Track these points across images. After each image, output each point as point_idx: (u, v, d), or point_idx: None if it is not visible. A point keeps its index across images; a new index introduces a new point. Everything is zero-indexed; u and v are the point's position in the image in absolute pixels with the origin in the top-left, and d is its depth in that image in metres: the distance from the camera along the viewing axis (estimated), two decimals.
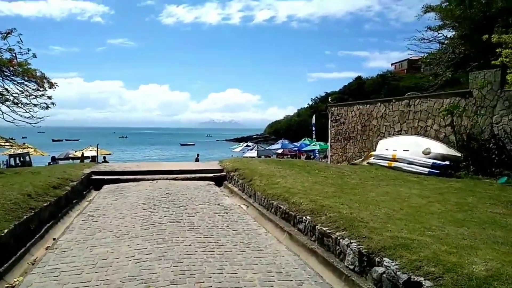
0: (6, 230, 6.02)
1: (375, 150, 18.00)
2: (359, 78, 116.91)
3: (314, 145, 29.76)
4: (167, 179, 14.19)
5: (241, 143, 34.15)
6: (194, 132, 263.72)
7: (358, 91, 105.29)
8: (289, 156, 29.87)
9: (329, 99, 24.02)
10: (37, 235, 7.18)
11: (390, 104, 18.67)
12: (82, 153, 24.09)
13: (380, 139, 18.18)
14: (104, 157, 27.02)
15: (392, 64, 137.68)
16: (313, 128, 40.47)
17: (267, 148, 26.42)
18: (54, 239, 7.48)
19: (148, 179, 14.03)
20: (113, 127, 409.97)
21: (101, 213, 9.23)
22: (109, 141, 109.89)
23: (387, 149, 16.37)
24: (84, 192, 12.11)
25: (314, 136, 39.62)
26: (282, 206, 8.24)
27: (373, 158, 16.94)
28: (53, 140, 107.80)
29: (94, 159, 24.47)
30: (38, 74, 15.60)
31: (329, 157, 23.98)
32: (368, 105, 20.22)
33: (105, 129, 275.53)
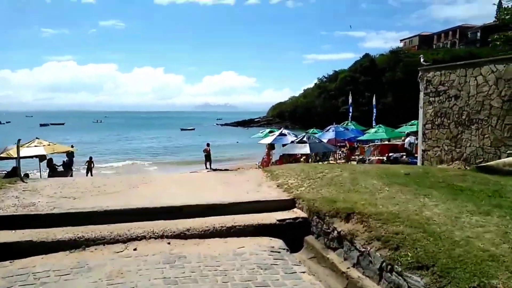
0: None
1: None
2: (367, 55, 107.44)
3: (375, 132, 20.94)
4: (162, 236, 5.42)
5: (265, 130, 25.44)
6: (193, 115, 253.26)
7: (371, 69, 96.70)
8: (345, 148, 20.82)
9: (421, 60, 15.04)
10: None
11: None
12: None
13: None
14: (71, 154, 18.00)
15: (401, 41, 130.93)
16: (350, 109, 31.76)
17: (321, 137, 17.58)
18: None
19: (111, 242, 5.26)
20: (106, 111, 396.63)
21: None
22: (88, 126, 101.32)
23: None
24: None
25: (350, 120, 30.96)
26: None
27: None
28: (41, 125, 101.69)
29: (49, 161, 15.41)
30: None
31: (419, 152, 15.20)
32: None
33: (98, 113, 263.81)
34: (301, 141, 15.35)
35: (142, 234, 5.41)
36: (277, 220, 5.87)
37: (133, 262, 4.72)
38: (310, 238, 5.73)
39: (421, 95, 15.09)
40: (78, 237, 5.23)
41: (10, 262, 4.80)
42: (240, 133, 75.77)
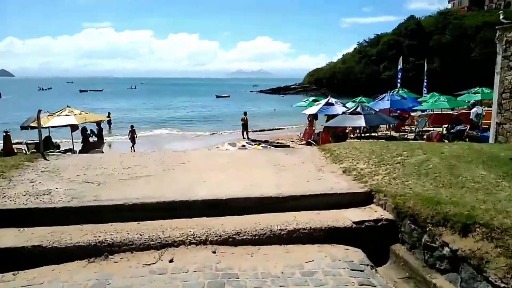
0: None
1: None
2: (412, 17, 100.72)
3: (435, 101, 18.48)
4: (206, 241, 4.17)
5: (309, 99, 23.59)
6: (227, 82, 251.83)
7: (416, 32, 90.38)
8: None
9: (501, 17, 12.71)
10: None
11: None
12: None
13: None
14: (109, 121, 17.12)
15: (449, 2, 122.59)
16: (399, 75, 29.21)
17: (374, 107, 15.35)
18: None
19: (141, 248, 4.06)
20: (142, 77, 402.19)
21: None
22: (124, 93, 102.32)
23: None
24: None
25: (399, 86, 28.51)
26: None
27: None
28: (81, 91, 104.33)
29: (82, 130, 14.51)
30: None
31: (493, 125, 13.14)
32: None
33: (135, 79, 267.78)
34: (355, 112, 13.48)
35: (180, 238, 4.17)
36: (354, 223, 4.46)
37: (169, 283, 3.49)
38: (398, 249, 4.30)
39: (499, 58, 12.87)
40: (99, 241, 4.06)
41: (14, 274, 3.72)
42: (276, 100, 73.90)
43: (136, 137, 21.65)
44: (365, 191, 5.06)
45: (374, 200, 4.94)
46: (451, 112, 23.12)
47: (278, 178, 5.86)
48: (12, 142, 14.01)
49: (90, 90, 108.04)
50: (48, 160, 7.02)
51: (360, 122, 13.17)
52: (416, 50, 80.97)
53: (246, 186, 5.42)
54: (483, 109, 17.31)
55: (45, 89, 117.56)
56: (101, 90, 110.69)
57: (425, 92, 29.76)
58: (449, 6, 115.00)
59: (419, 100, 21.67)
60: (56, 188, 5.27)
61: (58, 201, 4.83)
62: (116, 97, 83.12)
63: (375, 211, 4.73)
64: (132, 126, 21.75)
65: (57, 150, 12.45)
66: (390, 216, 4.53)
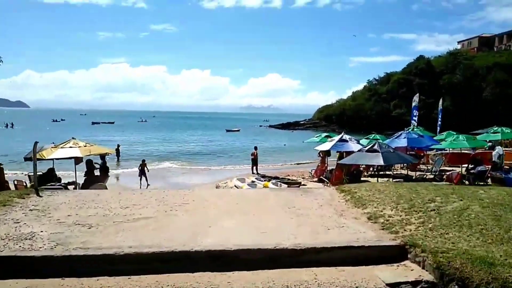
0: None
1: None
2: (422, 57, 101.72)
3: (454, 140, 17.79)
4: None
5: (321, 135, 23.05)
6: (237, 116, 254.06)
7: (426, 71, 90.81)
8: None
9: None
10: None
11: None
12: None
13: None
14: (118, 152, 16.59)
15: (459, 43, 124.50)
16: (415, 113, 28.61)
17: (389, 145, 14.46)
18: None
19: None
20: (155, 110, 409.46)
21: None
22: (135, 125, 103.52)
23: None
24: None
25: (415, 124, 27.80)
26: None
27: None
28: (93, 123, 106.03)
29: (88, 163, 13.95)
30: None
31: None
32: None
33: (147, 112, 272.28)
34: (372, 150, 12.78)
35: None
36: (387, 285, 3.70)
37: None
38: None
39: None
40: None
41: None
42: (286, 135, 73.62)
43: (148, 171, 21.05)
44: (398, 244, 4.31)
45: (409, 256, 4.18)
46: (468, 151, 22.27)
47: (293, 224, 5.15)
48: (12, 173, 13.51)
49: (102, 122, 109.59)
50: (41, 196, 6.42)
51: (378, 160, 12.43)
52: (426, 89, 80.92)
53: (257, 234, 4.71)
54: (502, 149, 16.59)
55: (59, 121, 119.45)
56: (113, 123, 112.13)
57: (439, 130, 29.16)
58: (459, 46, 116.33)
59: (435, 138, 20.94)
60: (41, 231, 4.62)
61: (40, 248, 4.17)
62: (127, 130, 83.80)
63: (411, 270, 3.97)
64: (143, 161, 21.24)
65: (58, 184, 11.95)
66: (430, 277, 3.77)
